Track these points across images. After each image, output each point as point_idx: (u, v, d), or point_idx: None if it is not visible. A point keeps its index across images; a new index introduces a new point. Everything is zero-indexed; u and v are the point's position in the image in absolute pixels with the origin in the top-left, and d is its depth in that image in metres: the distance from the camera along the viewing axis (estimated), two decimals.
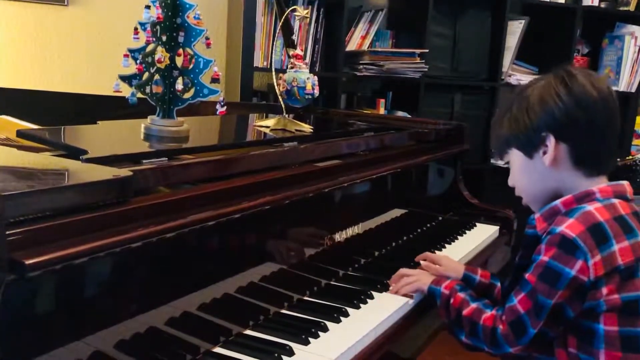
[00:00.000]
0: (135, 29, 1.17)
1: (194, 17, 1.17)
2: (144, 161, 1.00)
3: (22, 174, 0.90)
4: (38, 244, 0.72)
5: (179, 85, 1.17)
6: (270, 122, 1.53)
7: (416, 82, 2.83)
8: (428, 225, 1.81)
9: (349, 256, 1.41)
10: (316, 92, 1.51)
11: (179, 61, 1.17)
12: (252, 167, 1.17)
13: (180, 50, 1.17)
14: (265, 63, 2.57)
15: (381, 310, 1.19)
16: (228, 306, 1.04)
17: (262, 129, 1.52)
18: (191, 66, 1.18)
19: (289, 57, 1.57)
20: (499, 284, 1.29)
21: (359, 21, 2.86)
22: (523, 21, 3.09)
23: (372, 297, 1.25)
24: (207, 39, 1.18)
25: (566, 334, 1.06)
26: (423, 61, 2.80)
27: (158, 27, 1.16)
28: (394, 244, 1.61)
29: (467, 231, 1.80)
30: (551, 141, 1.10)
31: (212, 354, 0.99)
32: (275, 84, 1.53)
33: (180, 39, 1.17)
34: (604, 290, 1.02)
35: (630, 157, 3.27)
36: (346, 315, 1.15)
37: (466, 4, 2.98)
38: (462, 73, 3.03)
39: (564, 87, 1.09)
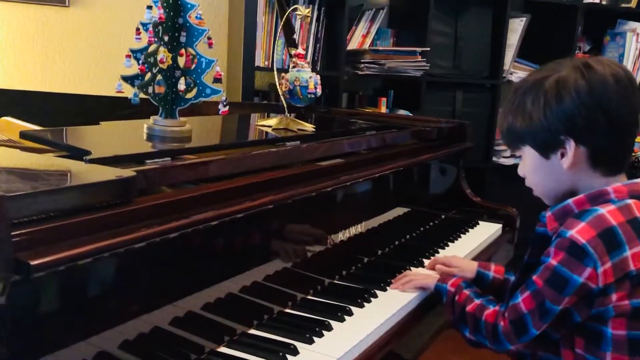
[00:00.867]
0: (137, 29, 1.17)
1: (196, 17, 1.17)
2: (147, 161, 1.01)
3: (25, 175, 0.90)
4: (42, 245, 0.72)
5: (181, 86, 1.17)
6: (273, 121, 1.53)
7: (418, 80, 2.83)
8: (431, 223, 1.81)
9: (352, 255, 1.41)
10: (318, 91, 1.51)
11: (181, 61, 1.17)
12: (255, 167, 1.17)
13: (183, 51, 1.17)
14: (266, 62, 2.57)
15: (385, 309, 1.19)
16: (232, 306, 1.04)
17: (264, 129, 1.52)
18: (193, 66, 1.18)
19: (291, 56, 1.56)
20: (513, 278, 1.28)
21: (360, 20, 2.86)
22: (524, 19, 3.08)
23: (375, 296, 1.25)
24: (209, 38, 1.18)
25: (573, 335, 1.04)
26: (424, 59, 2.80)
27: (160, 27, 1.16)
28: (396, 242, 1.61)
29: (469, 229, 1.80)
30: (571, 145, 1.04)
31: (216, 354, 0.99)
32: (277, 83, 1.53)
33: (182, 39, 1.17)
34: (614, 297, 0.99)
35: (634, 154, 3.26)
36: (350, 314, 1.15)
37: (467, 1, 2.98)
38: (463, 71, 3.03)
39: (583, 83, 1.01)
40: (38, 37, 2.40)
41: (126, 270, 0.85)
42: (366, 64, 2.74)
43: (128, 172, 0.88)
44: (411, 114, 2.81)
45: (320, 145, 1.39)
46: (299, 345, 1.02)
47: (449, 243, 1.65)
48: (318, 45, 2.68)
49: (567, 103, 1.02)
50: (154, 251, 0.87)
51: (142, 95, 1.18)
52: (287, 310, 1.16)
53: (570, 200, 1.06)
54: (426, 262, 1.48)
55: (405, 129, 1.81)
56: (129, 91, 1.19)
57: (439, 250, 1.58)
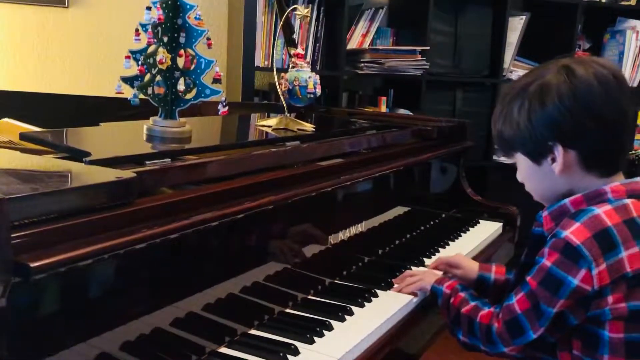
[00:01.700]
0: (137, 30, 1.17)
1: (195, 17, 1.17)
2: (147, 162, 1.01)
3: (25, 176, 0.90)
4: (42, 247, 0.72)
5: (181, 86, 1.17)
6: (272, 121, 1.53)
7: (417, 79, 2.83)
8: (431, 222, 1.81)
9: (352, 255, 1.41)
10: (318, 91, 1.51)
11: (181, 62, 1.17)
12: (255, 167, 1.17)
13: (182, 51, 1.17)
14: (266, 62, 2.58)
15: (386, 309, 1.19)
16: (233, 306, 1.04)
17: (264, 129, 1.52)
18: (193, 67, 1.18)
19: (290, 56, 1.56)
20: None
21: (359, 19, 2.86)
22: (524, 17, 3.08)
23: (376, 296, 1.25)
24: (208, 39, 1.18)
25: (570, 337, 1.03)
26: (424, 58, 2.80)
27: (159, 28, 1.16)
28: (397, 242, 1.61)
29: (470, 228, 1.80)
30: (559, 150, 1.03)
31: (217, 354, 0.99)
32: (276, 83, 1.53)
33: (182, 40, 1.17)
34: (610, 299, 0.97)
35: (634, 151, 3.26)
36: (351, 313, 1.15)
37: (467, 0, 2.98)
38: (463, 70, 3.02)
39: (565, 87, 1.01)
40: (37, 39, 2.41)
41: (126, 271, 0.85)
42: (366, 64, 2.73)
43: (128, 174, 0.88)
44: (411, 113, 2.81)
45: (320, 145, 1.39)
46: (300, 345, 1.01)
47: (450, 242, 1.65)
48: (318, 44, 2.68)
49: (550, 109, 1.02)
50: (155, 252, 0.87)
51: (141, 96, 1.18)
52: (288, 311, 1.16)
53: (567, 200, 1.05)
54: (427, 261, 1.48)
55: (405, 129, 1.81)
56: (128, 92, 1.19)
57: (440, 249, 1.58)
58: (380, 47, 2.83)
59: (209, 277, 1.00)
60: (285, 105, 1.53)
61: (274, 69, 1.57)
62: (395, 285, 1.30)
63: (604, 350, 0.99)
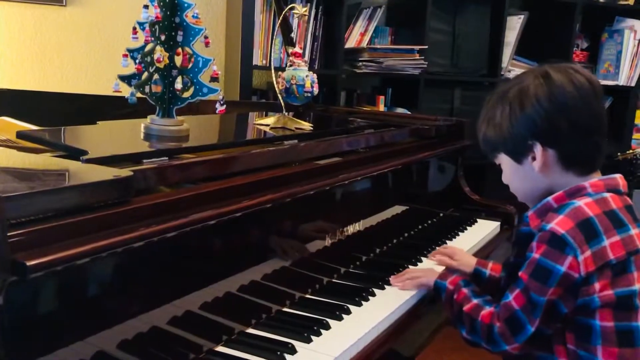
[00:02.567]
0: (134, 28, 1.17)
1: (193, 16, 1.16)
2: (145, 161, 1.00)
3: (22, 175, 0.90)
4: (39, 245, 0.72)
5: (179, 85, 1.17)
6: (270, 120, 1.53)
7: (416, 78, 2.83)
8: (429, 221, 1.81)
9: (350, 253, 1.41)
10: (315, 89, 1.51)
11: (178, 60, 1.17)
12: (253, 166, 1.17)
13: (179, 50, 1.16)
14: (264, 61, 2.57)
15: (383, 307, 1.19)
16: (230, 305, 1.04)
17: (262, 127, 1.52)
18: (190, 65, 1.18)
19: (288, 55, 1.56)
20: None
21: (357, 18, 2.85)
22: (522, 16, 3.08)
23: (374, 294, 1.25)
24: (205, 37, 1.18)
25: (564, 331, 1.06)
26: (422, 57, 2.80)
27: (157, 26, 1.15)
28: (395, 240, 1.61)
29: (468, 227, 1.80)
30: (538, 149, 1.10)
31: (214, 353, 0.99)
32: (274, 82, 1.53)
33: (179, 38, 1.16)
34: (597, 286, 1.01)
35: (631, 150, 3.27)
36: (348, 312, 1.15)
37: None
38: (461, 69, 3.03)
39: (542, 90, 1.08)
40: (35, 37, 2.40)
41: (124, 270, 0.85)
42: (364, 62, 2.73)
43: (125, 172, 0.87)
44: (409, 112, 2.81)
45: (318, 144, 1.39)
46: (297, 344, 1.02)
47: (447, 241, 1.65)
48: (316, 43, 2.68)
49: (529, 109, 1.09)
50: (152, 251, 0.87)
51: (139, 95, 1.18)
52: (286, 309, 1.16)
53: (549, 198, 1.11)
54: (425, 259, 1.49)
55: (403, 127, 1.81)
56: (126, 90, 1.18)
57: (437, 248, 1.58)
58: (379, 46, 2.83)
59: (207, 276, 1.00)
60: (282, 104, 1.53)
61: (272, 67, 1.57)
62: (393, 281, 1.31)
63: (597, 341, 1.02)
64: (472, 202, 1.96)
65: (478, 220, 1.88)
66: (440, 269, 1.34)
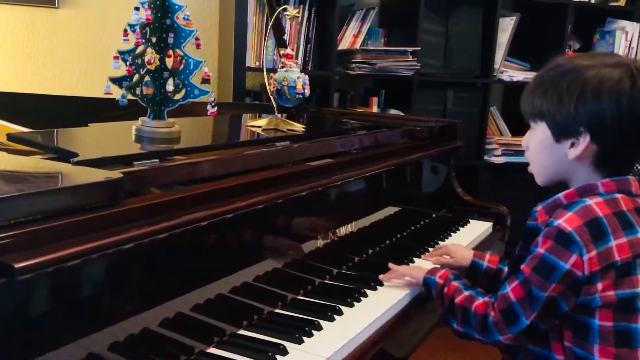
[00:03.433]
0: (125, 30, 1.17)
1: (183, 18, 1.16)
2: (136, 163, 1.00)
3: (12, 177, 0.90)
4: (28, 247, 0.72)
5: (170, 87, 1.17)
6: (263, 121, 1.53)
7: (409, 79, 2.84)
8: (422, 222, 1.82)
9: (342, 254, 1.41)
10: (307, 91, 1.51)
11: (169, 62, 1.17)
12: (244, 167, 1.17)
13: (170, 52, 1.16)
14: (257, 63, 2.58)
15: (375, 308, 1.19)
16: (222, 306, 1.04)
17: (254, 129, 1.52)
18: (181, 67, 1.18)
19: (281, 56, 1.56)
20: (506, 269, 1.30)
21: (350, 20, 2.86)
22: (515, 17, 3.10)
23: (366, 295, 1.25)
24: (197, 39, 1.18)
25: (562, 328, 1.06)
26: (415, 59, 2.81)
27: (147, 28, 1.15)
28: (387, 241, 1.61)
29: (460, 228, 1.81)
30: (586, 139, 1.05)
31: (206, 355, 0.99)
32: (266, 83, 1.53)
33: (170, 40, 1.16)
34: (599, 286, 1.01)
35: None
36: (340, 313, 1.15)
37: (457, 1, 2.99)
38: (454, 70, 3.03)
39: (626, 94, 1.02)
40: (27, 39, 2.40)
41: (114, 272, 0.85)
42: (357, 64, 2.74)
43: (115, 174, 0.87)
44: (402, 114, 2.82)
45: (310, 145, 1.39)
46: (289, 345, 1.02)
47: (440, 242, 1.65)
48: (309, 45, 2.68)
49: (604, 104, 1.02)
50: (143, 252, 0.87)
51: (130, 97, 1.18)
52: (277, 311, 1.16)
53: (560, 195, 1.10)
54: (417, 260, 1.49)
55: (395, 129, 1.81)
56: (117, 92, 1.18)
57: (430, 249, 1.58)
58: (372, 48, 2.84)
59: (198, 277, 1.00)
60: (275, 106, 1.53)
61: (264, 69, 1.57)
62: (382, 278, 1.32)
63: (594, 340, 1.03)
64: (465, 203, 1.97)
65: (470, 220, 1.88)
66: (430, 266, 1.34)
